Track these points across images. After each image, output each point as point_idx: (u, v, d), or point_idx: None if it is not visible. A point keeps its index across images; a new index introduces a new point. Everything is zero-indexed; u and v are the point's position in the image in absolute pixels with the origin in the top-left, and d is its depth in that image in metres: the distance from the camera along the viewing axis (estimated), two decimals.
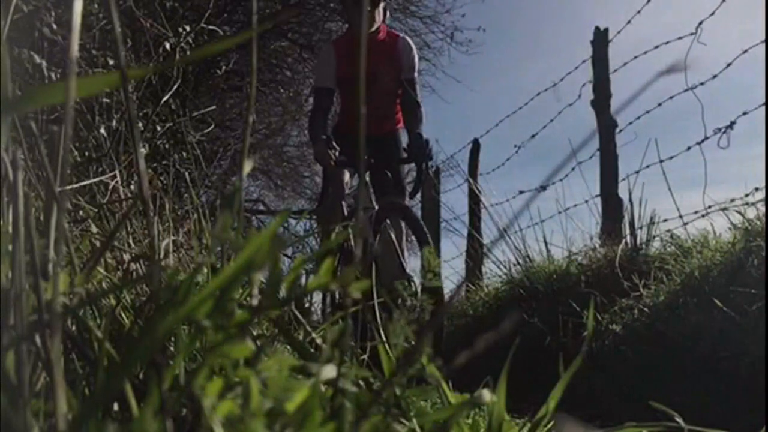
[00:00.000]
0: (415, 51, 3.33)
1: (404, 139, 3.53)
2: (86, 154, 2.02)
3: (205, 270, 0.79)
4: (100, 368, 0.48)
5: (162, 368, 0.38)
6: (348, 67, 3.18)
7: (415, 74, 3.31)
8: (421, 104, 3.26)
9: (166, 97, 2.46)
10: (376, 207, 2.98)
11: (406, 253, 3.03)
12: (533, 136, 4.32)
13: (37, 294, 0.40)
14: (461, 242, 4.88)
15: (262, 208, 11.99)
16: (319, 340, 0.78)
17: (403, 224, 3.08)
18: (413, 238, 3.04)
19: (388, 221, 2.95)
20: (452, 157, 5.41)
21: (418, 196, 4.02)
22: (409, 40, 3.36)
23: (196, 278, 0.46)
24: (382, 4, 3.16)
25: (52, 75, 1.90)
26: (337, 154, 2.89)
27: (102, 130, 2.04)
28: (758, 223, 2.07)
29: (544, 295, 2.90)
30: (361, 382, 0.57)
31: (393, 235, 2.95)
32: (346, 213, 3.45)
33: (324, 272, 0.49)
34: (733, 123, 2.70)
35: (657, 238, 2.89)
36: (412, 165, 3.34)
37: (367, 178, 3.05)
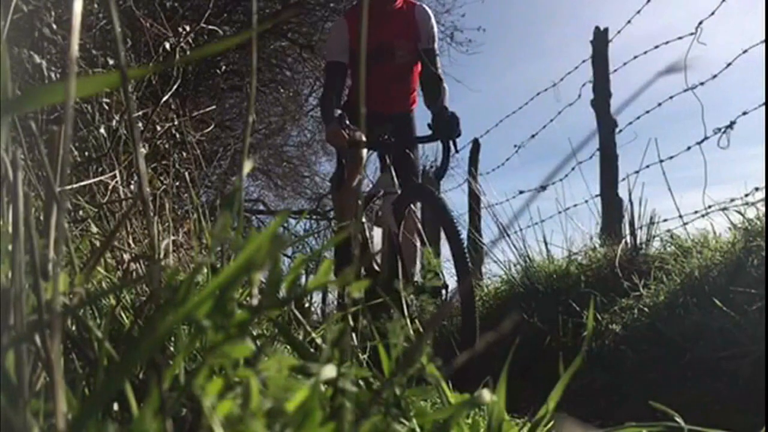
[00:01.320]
0: (433, 20, 3.06)
1: (419, 118, 3.23)
2: (86, 153, 2.02)
3: (205, 270, 0.79)
4: (100, 368, 0.48)
5: (162, 368, 0.38)
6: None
7: (435, 45, 3.05)
8: (443, 78, 2.97)
9: (166, 97, 2.47)
10: (399, 191, 2.73)
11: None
12: (533, 136, 4.32)
13: (37, 294, 0.40)
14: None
15: (262, 208, 12.01)
16: (319, 340, 0.78)
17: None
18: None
19: (412, 207, 2.67)
20: (452, 157, 5.40)
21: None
22: (427, 8, 3.10)
23: (196, 278, 0.46)
24: None
25: (52, 75, 1.90)
26: (351, 133, 2.65)
27: (102, 130, 2.04)
28: (758, 223, 2.07)
29: (544, 295, 2.90)
30: (361, 382, 0.57)
31: (418, 222, 2.68)
32: (361, 197, 3.26)
33: (324, 272, 0.49)
34: (733, 123, 2.70)
35: (657, 238, 2.89)
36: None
37: (388, 160, 2.82)
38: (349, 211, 3.08)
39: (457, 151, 2.75)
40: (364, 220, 3.13)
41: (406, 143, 2.95)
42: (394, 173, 2.77)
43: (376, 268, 2.92)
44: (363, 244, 3.04)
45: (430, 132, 2.79)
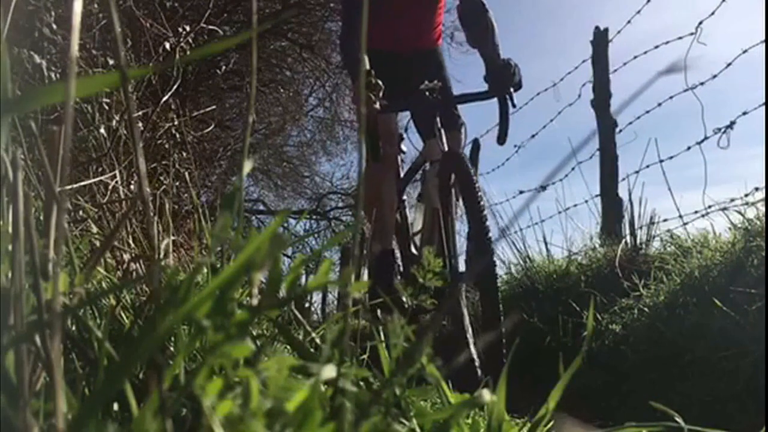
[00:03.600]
0: None
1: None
2: (86, 153, 2.02)
3: (205, 270, 0.79)
4: (100, 368, 0.48)
5: (162, 368, 0.38)
6: None
7: None
8: (488, 8, 2.36)
9: (166, 97, 2.47)
10: (445, 148, 2.24)
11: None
12: (533, 136, 4.33)
13: (37, 294, 0.40)
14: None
15: (262, 208, 12.02)
16: (318, 340, 0.78)
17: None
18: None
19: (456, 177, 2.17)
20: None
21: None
22: None
23: (196, 278, 0.46)
24: None
25: (52, 75, 1.90)
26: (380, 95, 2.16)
27: (102, 130, 2.04)
28: (758, 223, 2.07)
29: (544, 295, 2.90)
30: (361, 382, 0.57)
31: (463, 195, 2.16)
32: (402, 171, 2.76)
33: (324, 272, 0.49)
34: (733, 123, 2.70)
35: (657, 238, 2.89)
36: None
37: (439, 123, 2.30)
38: (382, 193, 2.51)
39: (514, 106, 2.21)
40: (405, 198, 2.82)
41: (453, 101, 2.41)
42: (444, 138, 2.28)
43: (414, 252, 2.63)
44: (402, 225, 2.72)
45: (476, 89, 2.28)
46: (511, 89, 2.18)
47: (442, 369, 0.60)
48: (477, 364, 1.87)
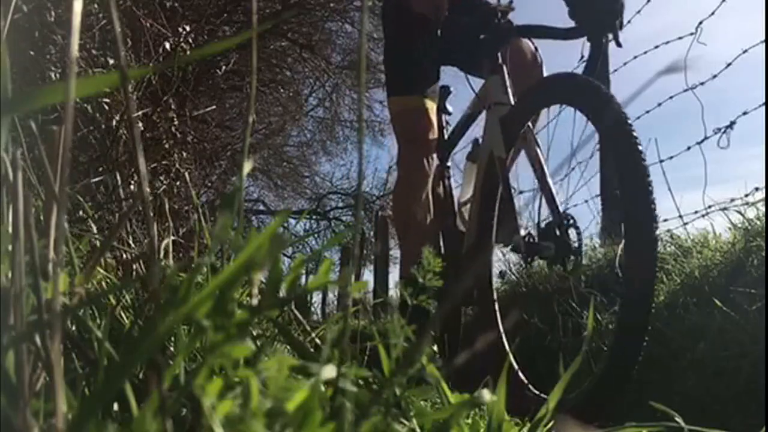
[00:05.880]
0: None
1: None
2: (87, 153, 2.02)
3: (205, 270, 0.79)
4: (100, 368, 0.48)
5: (162, 368, 0.38)
6: None
7: None
8: None
9: (166, 97, 2.47)
10: (510, 91, 1.82)
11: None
12: None
13: (37, 294, 0.40)
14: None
15: (262, 208, 12.02)
16: (318, 340, 0.78)
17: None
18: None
19: (530, 125, 1.76)
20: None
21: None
22: None
23: (196, 278, 0.46)
24: None
25: (52, 75, 1.90)
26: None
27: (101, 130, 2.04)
28: (758, 223, 2.07)
29: (544, 295, 2.90)
30: (361, 382, 0.57)
31: (539, 148, 1.73)
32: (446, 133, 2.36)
33: (324, 272, 0.49)
34: (733, 123, 2.70)
35: None
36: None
37: (500, 57, 1.85)
38: (414, 204, 2.06)
39: (620, 46, 1.70)
40: (449, 164, 2.46)
41: (528, 32, 1.90)
42: (507, 75, 1.84)
43: (462, 228, 2.22)
44: (445, 199, 2.37)
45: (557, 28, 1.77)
46: (618, 25, 1.66)
47: (442, 369, 0.60)
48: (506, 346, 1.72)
